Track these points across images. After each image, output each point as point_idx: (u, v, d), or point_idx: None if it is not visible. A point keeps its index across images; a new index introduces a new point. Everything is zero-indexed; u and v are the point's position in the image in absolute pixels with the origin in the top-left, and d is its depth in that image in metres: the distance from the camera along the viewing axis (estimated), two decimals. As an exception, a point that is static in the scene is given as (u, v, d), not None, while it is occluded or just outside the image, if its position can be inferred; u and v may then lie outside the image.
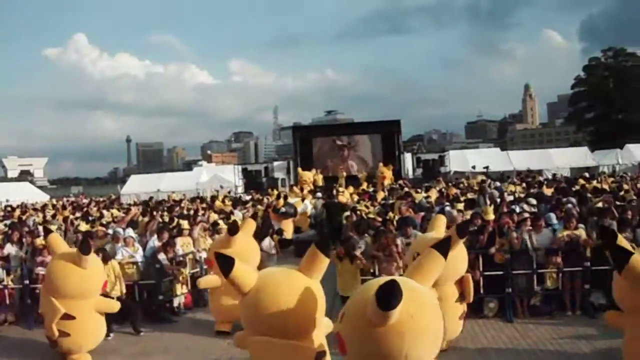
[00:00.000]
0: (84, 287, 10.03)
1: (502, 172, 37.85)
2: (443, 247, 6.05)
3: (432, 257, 5.98)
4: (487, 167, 38.67)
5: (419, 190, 24.63)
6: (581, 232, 11.70)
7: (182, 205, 25.29)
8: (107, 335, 11.50)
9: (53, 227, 15.19)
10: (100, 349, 11.20)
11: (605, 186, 20.97)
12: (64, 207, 30.10)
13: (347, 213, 16.88)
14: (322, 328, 6.98)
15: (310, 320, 6.58)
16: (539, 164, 41.43)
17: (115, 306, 10.87)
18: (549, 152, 47.03)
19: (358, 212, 15.76)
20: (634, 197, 16.22)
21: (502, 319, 11.57)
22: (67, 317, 9.84)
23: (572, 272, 11.54)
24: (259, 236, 14.18)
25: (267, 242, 14.60)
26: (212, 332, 11.33)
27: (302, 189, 28.98)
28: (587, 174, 30.34)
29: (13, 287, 13.09)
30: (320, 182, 34.77)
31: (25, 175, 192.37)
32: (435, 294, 6.05)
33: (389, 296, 5.03)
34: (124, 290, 12.11)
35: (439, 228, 9.94)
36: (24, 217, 23.50)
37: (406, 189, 25.86)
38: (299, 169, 38.08)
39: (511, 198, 17.64)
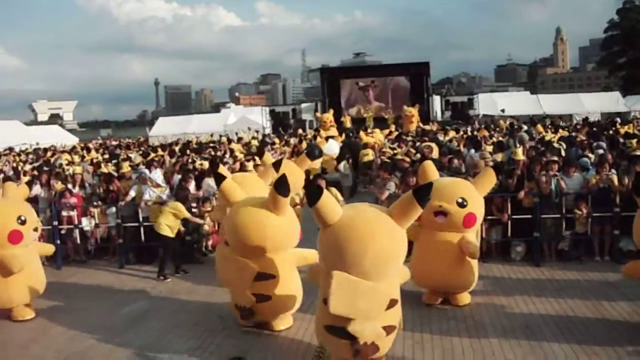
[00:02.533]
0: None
1: (532, 116, 37.30)
2: (422, 193, 6.53)
3: (409, 201, 6.55)
4: (503, 110, 38.33)
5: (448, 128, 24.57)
6: (613, 177, 11.43)
7: (213, 145, 25.32)
8: (166, 277, 11.86)
9: (78, 169, 15.34)
10: (125, 288, 11.41)
11: (637, 131, 20.54)
12: (88, 150, 30.15)
13: (366, 152, 16.93)
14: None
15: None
16: (569, 109, 40.84)
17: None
18: (580, 96, 46.27)
19: (384, 155, 15.64)
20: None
21: (529, 263, 11.51)
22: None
23: (602, 217, 11.34)
24: (337, 159, 16.35)
25: (343, 164, 16.71)
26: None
27: (317, 132, 28.72)
28: (619, 119, 29.76)
29: (43, 229, 13.25)
30: (348, 124, 34.53)
31: (55, 119, 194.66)
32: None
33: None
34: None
35: (431, 176, 9.59)
36: (52, 160, 23.67)
37: (429, 128, 25.71)
38: (317, 113, 37.90)
39: (532, 143, 17.33)
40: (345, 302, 6.41)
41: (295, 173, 12.08)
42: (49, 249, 11.12)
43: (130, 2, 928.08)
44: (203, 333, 8.81)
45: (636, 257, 9.34)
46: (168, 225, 11.84)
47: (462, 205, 8.86)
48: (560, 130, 22.40)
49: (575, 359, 7.30)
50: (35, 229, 10.08)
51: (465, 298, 9.43)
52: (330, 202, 6.62)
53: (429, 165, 9.89)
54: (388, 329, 6.79)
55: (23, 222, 9.60)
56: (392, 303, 6.80)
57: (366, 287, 6.48)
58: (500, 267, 11.34)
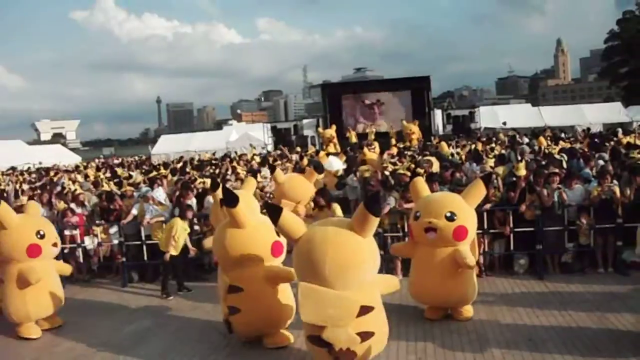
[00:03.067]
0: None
1: (534, 128, 37.23)
2: (372, 203, 7.04)
3: (362, 213, 6.97)
4: (504, 123, 38.30)
5: (450, 143, 24.60)
6: (615, 189, 11.33)
7: (217, 163, 25.36)
8: (169, 295, 11.91)
9: (80, 188, 15.41)
10: (129, 306, 11.43)
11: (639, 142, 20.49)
12: (97, 169, 30.27)
13: (366, 168, 16.99)
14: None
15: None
16: (571, 120, 40.71)
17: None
18: (582, 107, 46.13)
19: (386, 170, 15.58)
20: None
21: (532, 275, 11.47)
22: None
23: (605, 228, 11.30)
24: (345, 172, 16.81)
25: (351, 177, 16.90)
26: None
27: (319, 149, 28.77)
28: (621, 130, 29.72)
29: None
30: (354, 139, 34.45)
31: (58, 138, 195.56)
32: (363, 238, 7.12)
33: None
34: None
35: (422, 192, 9.67)
36: (55, 179, 23.75)
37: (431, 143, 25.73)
38: (319, 128, 37.76)
39: (531, 156, 17.30)
40: (313, 311, 6.91)
41: (304, 186, 13.05)
42: (67, 268, 11.23)
43: (131, 21, 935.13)
44: (206, 350, 8.82)
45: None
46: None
47: (450, 219, 8.84)
48: (561, 142, 22.35)
49: (579, 371, 7.29)
50: (55, 245, 10.26)
51: (467, 312, 9.36)
52: (291, 219, 7.35)
53: (419, 182, 9.93)
54: (363, 336, 7.09)
55: (42, 237, 9.90)
56: (363, 310, 7.09)
57: (332, 295, 6.93)
58: (504, 280, 11.32)
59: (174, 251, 11.84)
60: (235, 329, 8.70)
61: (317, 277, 6.94)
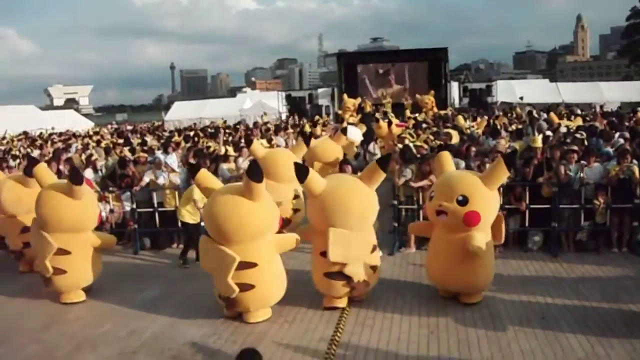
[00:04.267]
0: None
1: (550, 104, 36.84)
2: (384, 162, 8.67)
3: (374, 169, 8.66)
4: (521, 98, 38.02)
5: (464, 115, 24.46)
6: (634, 169, 11.10)
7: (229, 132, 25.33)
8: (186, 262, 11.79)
9: (96, 155, 15.38)
10: (140, 274, 11.47)
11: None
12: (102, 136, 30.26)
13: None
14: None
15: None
16: (588, 97, 40.25)
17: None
18: (600, 85, 45.63)
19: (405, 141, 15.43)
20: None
21: (546, 253, 11.37)
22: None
23: (622, 208, 11.14)
24: (365, 140, 17.11)
25: (372, 145, 17.58)
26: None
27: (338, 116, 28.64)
28: (640, 109, 29.26)
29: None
30: (368, 108, 34.28)
31: (70, 103, 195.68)
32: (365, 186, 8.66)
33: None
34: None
35: (447, 167, 9.40)
36: (66, 145, 23.72)
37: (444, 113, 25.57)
38: (344, 95, 37.42)
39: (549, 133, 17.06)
40: (342, 252, 8.35)
41: (335, 149, 14.41)
42: None
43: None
44: (217, 320, 8.78)
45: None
46: (188, 211, 11.75)
47: (462, 203, 8.43)
48: (574, 118, 21.89)
49: (592, 350, 7.22)
50: None
51: (472, 297, 9.00)
52: (316, 177, 8.54)
53: (445, 156, 9.56)
54: (373, 268, 8.92)
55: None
56: (374, 248, 8.97)
57: (355, 237, 8.48)
58: (517, 257, 11.23)
59: (191, 219, 11.73)
60: (243, 305, 8.51)
61: (341, 223, 8.34)
